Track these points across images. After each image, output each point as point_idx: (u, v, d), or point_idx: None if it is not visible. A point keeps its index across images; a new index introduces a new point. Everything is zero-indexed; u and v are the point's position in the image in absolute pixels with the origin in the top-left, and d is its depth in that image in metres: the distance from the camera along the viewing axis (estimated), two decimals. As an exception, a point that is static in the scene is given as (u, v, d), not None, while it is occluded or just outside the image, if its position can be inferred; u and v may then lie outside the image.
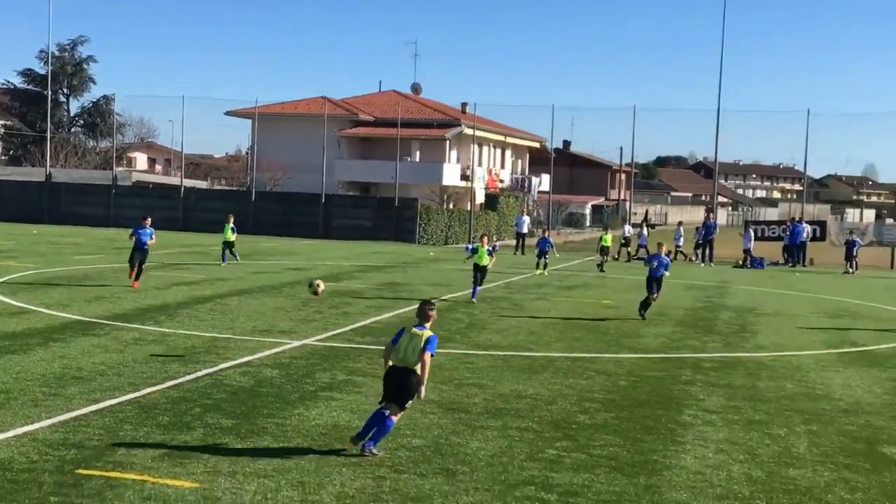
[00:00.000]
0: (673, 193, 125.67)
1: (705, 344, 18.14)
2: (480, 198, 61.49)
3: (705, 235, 45.24)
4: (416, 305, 10.34)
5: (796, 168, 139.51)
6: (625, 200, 67.55)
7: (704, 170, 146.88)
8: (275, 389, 12.32)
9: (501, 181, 68.91)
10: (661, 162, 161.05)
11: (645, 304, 21.28)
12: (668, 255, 22.46)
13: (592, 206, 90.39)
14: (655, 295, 21.21)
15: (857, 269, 42.00)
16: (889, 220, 56.90)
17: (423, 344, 9.62)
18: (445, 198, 60.90)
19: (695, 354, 16.80)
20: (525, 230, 47.49)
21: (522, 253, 44.67)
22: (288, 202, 54.06)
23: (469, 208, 55.05)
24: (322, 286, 12.90)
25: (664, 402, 12.67)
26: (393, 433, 10.27)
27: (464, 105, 67.06)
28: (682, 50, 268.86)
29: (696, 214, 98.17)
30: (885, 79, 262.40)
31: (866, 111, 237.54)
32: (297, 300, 22.06)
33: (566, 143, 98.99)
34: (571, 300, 24.95)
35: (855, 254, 42.26)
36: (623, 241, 45.59)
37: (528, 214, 52.11)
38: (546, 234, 34.07)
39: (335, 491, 8.29)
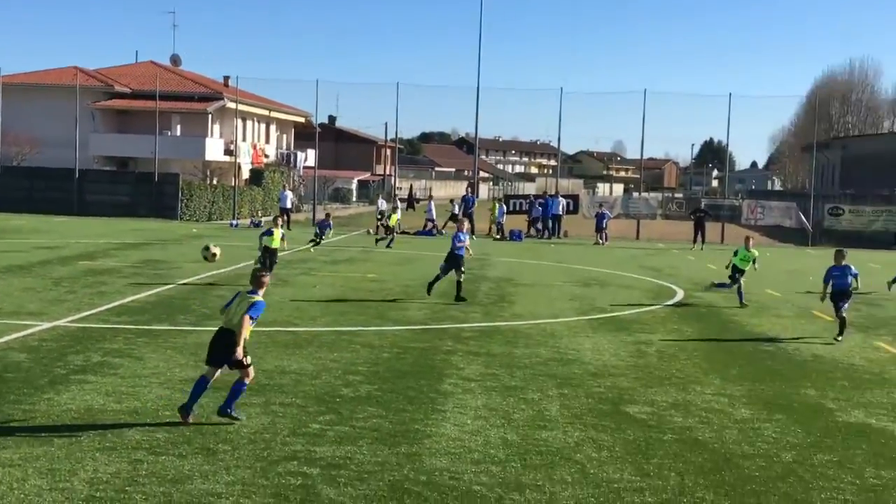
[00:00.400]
0: (437, 169, 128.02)
1: (466, 314, 18.66)
2: (245, 173, 60.47)
3: (465, 209, 46.49)
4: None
5: (552, 144, 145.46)
6: (390, 175, 68.15)
7: (467, 145, 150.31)
8: (22, 374, 11.68)
9: (266, 156, 67.96)
10: (426, 138, 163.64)
11: (431, 286, 20.54)
12: (467, 231, 21.98)
13: (359, 181, 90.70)
14: (460, 275, 20.50)
15: (606, 240, 44.40)
16: (636, 194, 60.42)
17: (246, 308, 9.78)
18: (209, 173, 59.39)
19: (456, 325, 17.26)
20: (289, 205, 47.14)
21: (288, 228, 44.31)
22: (38, 177, 51.07)
23: (233, 184, 53.98)
24: (215, 250, 12.20)
25: (426, 372, 12.95)
26: (150, 414, 10.04)
27: (226, 78, 65.46)
28: (444, 27, 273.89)
29: (460, 189, 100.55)
30: (630, 59, 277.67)
31: (614, 90, 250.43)
32: (48, 280, 20.95)
33: (332, 119, 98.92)
34: (337, 275, 25.01)
35: (605, 225, 44.68)
36: (378, 216, 46.51)
37: (292, 190, 51.77)
38: (327, 217, 34.08)
39: (87, 477, 7.97)
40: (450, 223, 46.90)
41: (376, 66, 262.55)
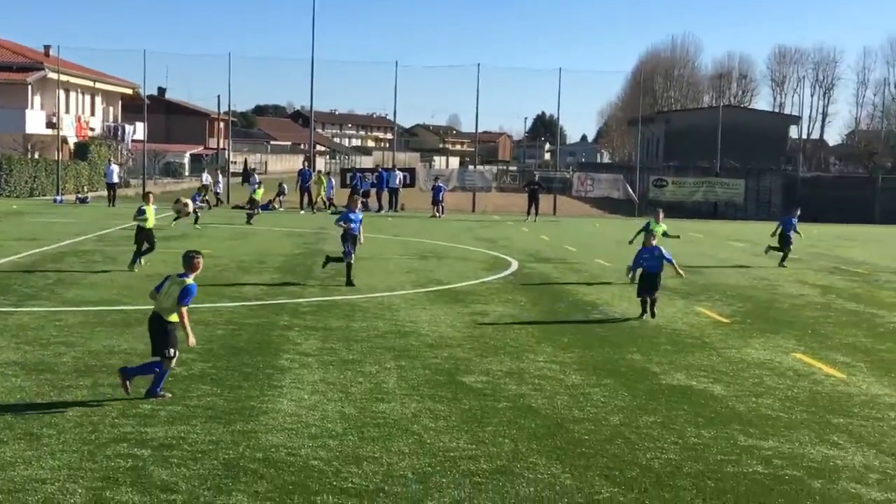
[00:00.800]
0: (272, 142, 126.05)
1: (303, 289, 18.51)
2: (71, 147, 58.01)
3: (301, 183, 46.12)
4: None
5: (388, 118, 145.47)
6: (224, 149, 66.66)
7: (302, 119, 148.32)
8: None
9: (92, 129, 65.31)
10: (260, 111, 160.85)
11: (347, 266, 19.24)
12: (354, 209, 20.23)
13: (191, 154, 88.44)
14: (351, 254, 19.24)
15: (443, 212, 44.87)
16: (471, 167, 61.26)
17: (178, 294, 9.74)
18: (30, 147, 56.64)
19: (293, 300, 17.09)
20: (116, 180, 45.65)
21: (113, 205, 42.97)
22: None
23: (57, 158, 51.69)
24: (188, 203, 11.55)
25: (262, 348, 12.79)
26: (-32, 401, 9.58)
27: (47, 48, 62.40)
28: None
29: (296, 163, 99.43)
30: (464, 33, 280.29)
31: (449, 64, 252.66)
32: None
33: (161, 91, 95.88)
34: (169, 251, 24.26)
35: (441, 198, 45.13)
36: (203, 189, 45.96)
37: (119, 164, 50.11)
38: (200, 194, 33.59)
39: None
40: (280, 198, 46.50)
41: (207, 36, 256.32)
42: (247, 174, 59.38)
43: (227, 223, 34.68)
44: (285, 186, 47.40)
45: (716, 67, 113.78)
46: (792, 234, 25.73)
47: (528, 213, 44.55)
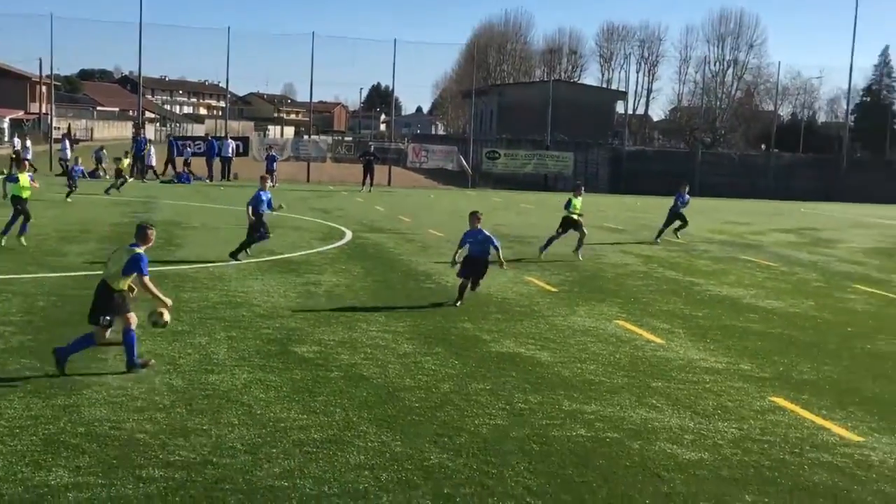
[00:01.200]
0: (99, 108, 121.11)
1: (130, 260, 17.93)
2: None
3: (136, 152, 44.70)
4: None
5: (221, 85, 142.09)
6: (47, 114, 63.60)
7: (131, 84, 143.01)
8: None
9: None
10: (86, 75, 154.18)
11: (245, 245, 18.79)
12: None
13: (11, 119, 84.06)
14: (267, 234, 18.97)
15: (276, 182, 44.27)
16: (306, 137, 60.70)
17: (126, 262, 9.74)
18: None
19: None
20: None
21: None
22: None
23: None
24: (163, 314, 10.45)
25: (87, 320, 12.32)
26: None
27: None
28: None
29: (125, 130, 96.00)
30: (299, 2, 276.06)
31: (284, 32, 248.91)
32: None
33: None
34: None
35: (274, 168, 44.54)
36: (13, 156, 44.09)
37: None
38: (78, 163, 32.40)
39: None
40: (101, 165, 45.04)
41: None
42: (69, 140, 57.03)
43: (50, 193, 33.17)
44: (103, 154, 45.82)
45: (547, 43, 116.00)
46: (680, 208, 26.86)
47: (363, 183, 44.51)
